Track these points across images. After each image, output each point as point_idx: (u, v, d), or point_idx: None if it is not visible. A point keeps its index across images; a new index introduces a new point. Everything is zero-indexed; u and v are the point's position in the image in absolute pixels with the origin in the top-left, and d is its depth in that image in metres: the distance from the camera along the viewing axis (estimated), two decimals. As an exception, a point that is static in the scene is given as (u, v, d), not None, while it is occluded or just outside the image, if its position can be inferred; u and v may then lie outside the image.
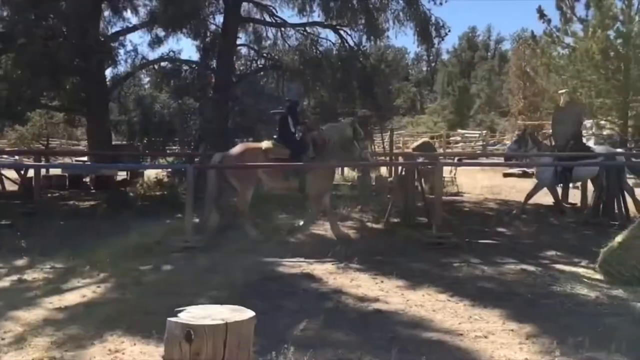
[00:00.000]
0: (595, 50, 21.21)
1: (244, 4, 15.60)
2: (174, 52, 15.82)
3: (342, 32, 15.29)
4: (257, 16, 16.54)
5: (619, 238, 6.04)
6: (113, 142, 15.40)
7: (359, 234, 8.79)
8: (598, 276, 6.14)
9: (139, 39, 66.24)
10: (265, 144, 8.55)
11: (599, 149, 12.00)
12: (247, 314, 2.06)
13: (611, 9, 21.33)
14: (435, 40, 15.58)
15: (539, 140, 11.17)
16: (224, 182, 8.45)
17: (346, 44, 15.28)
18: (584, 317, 4.83)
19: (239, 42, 15.94)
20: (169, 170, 14.44)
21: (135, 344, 4.12)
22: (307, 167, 8.36)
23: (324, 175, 8.61)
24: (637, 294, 5.52)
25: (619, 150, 14.51)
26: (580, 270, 6.56)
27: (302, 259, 6.94)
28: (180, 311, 2.05)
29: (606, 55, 21.31)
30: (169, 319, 1.94)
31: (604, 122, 23.59)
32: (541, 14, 22.92)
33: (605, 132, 23.98)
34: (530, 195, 10.59)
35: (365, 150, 9.03)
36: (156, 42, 15.58)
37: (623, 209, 9.29)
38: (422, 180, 10.22)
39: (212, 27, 16.01)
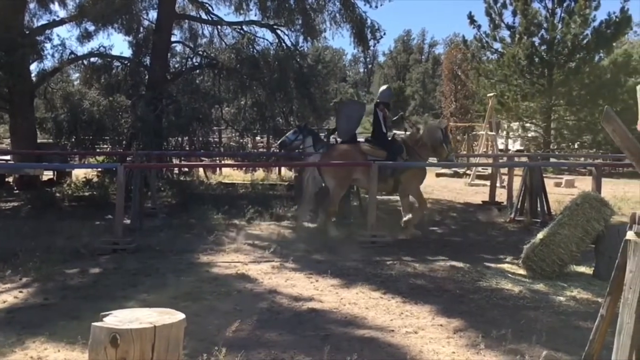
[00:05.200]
0: (522, 55, 22.28)
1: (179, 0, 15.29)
2: (104, 47, 15.16)
3: (279, 31, 15.27)
4: (193, 13, 16.27)
5: (540, 235, 6.39)
6: (39, 140, 14.70)
7: (295, 234, 8.82)
8: (521, 271, 6.48)
9: (67, 33, 63.14)
10: (364, 146, 8.92)
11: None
12: (177, 316, 2.04)
13: (536, 17, 22.47)
14: (371, 43, 15.93)
15: (319, 137, 10.69)
16: (321, 183, 8.84)
17: (283, 44, 15.27)
18: (508, 311, 5.08)
19: (173, 39, 15.59)
20: (99, 169, 13.95)
21: (59, 351, 3.97)
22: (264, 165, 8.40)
23: (417, 174, 8.92)
24: (556, 288, 5.87)
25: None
26: (505, 266, 6.88)
27: (237, 260, 6.91)
28: (106, 315, 2.00)
29: (531, 61, 22.41)
30: (93, 323, 1.89)
31: (529, 125, 24.76)
32: (472, 20, 23.82)
33: (530, 134, 25.16)
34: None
35: (452, 153, 9.33)
36: (85, 36, 14.94)
37: (545, 208, 9.78)
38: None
39: (145, 22, 15.60)
